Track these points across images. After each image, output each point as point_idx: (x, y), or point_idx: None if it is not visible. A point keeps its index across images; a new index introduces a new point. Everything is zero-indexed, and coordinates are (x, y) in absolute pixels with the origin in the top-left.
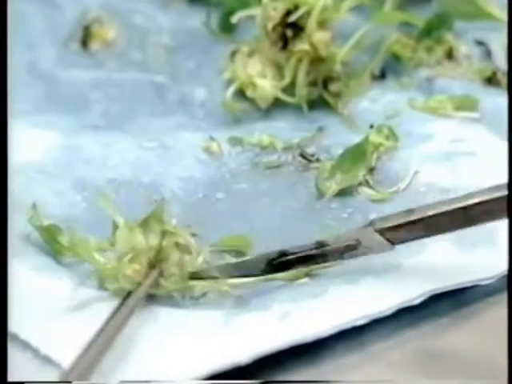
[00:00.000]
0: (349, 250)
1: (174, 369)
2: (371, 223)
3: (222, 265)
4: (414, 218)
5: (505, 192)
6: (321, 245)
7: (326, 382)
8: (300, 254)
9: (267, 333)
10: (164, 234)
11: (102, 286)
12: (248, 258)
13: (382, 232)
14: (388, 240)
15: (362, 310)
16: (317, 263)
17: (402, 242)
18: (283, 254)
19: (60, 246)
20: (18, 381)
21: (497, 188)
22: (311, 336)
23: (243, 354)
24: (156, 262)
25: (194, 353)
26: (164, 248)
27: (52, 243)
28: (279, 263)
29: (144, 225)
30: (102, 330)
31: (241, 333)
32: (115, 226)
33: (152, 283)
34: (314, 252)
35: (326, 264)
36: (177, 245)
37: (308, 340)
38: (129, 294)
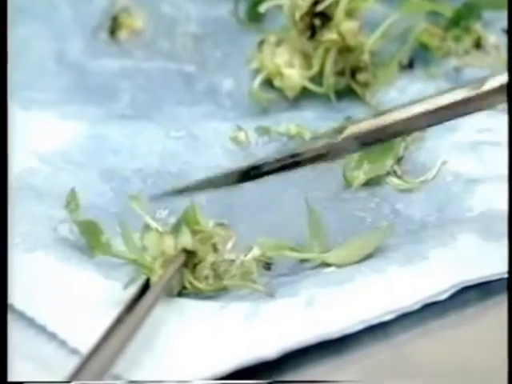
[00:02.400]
0: (321, 157)
1: (197, 364)
2: (342, 129)
3: (195, 182)
4: (384, 121)
5: (473, 91)
6: (294, 155)
7: (329, 382)
8: (273, 166)
9: (294, 326)
10: (195, 234)
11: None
12: (220, 172)
13: (353, 137)
14: (358, 143)
15: (389, 304)
16: (289, 171)
17: (371, 144)
18: (255, 167)
19: (97, 244)
20: (18, 381)
21: (464, 85)
22: (338, 332)
23: (271, 350)
24: (189, 263)
25: (219, 347)
26: (198, 251)
27: (88, 238)
28: (252, 176)
29: (175, 229)
30: (119, 325)
31: (268, 327)
32: (147, 228)
33: (177, 282)
34: (287, 162)
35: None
36: (213, 247)
37: (335, 336)
38: (146, 287)
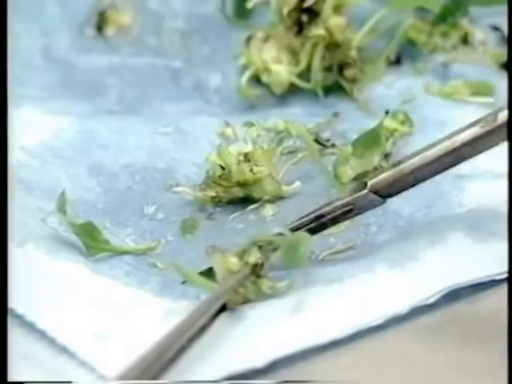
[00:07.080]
0: (345, 214)
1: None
2: (362, 185)
3: None
4: (404, 171)
5: (487, 127)
6: (318, 217)
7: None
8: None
9: (282, 334)
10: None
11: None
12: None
13: (375, 191)
14: (380, 196)
15: (378, 309)
16: (315, 233)
17: (392, 195)
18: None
19: (97, 243)
20: (17, 381)
21: (477, 122)
22: (327, 338)
23: (260, 358)
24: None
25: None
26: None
27: (87, 239)
28: None
29: (242, 254)
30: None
31: (259, 335)
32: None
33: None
34: (312, 225)
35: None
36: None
37: (323, 342)
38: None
